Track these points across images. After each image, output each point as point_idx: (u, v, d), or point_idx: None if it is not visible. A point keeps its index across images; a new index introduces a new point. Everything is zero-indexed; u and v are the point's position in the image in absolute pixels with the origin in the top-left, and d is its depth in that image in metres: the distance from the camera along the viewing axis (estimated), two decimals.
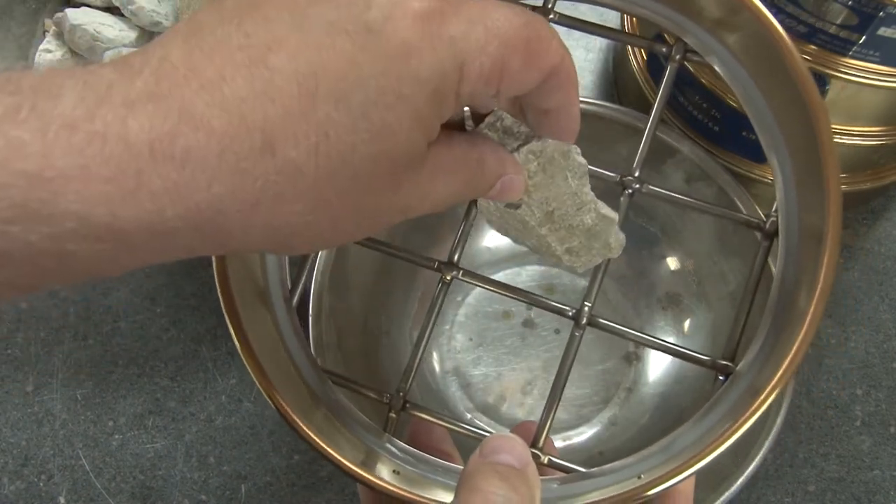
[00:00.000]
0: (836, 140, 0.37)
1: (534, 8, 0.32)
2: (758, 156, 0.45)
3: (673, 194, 0.32)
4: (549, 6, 0.32)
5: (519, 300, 0.31)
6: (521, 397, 0.45)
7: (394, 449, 0.29)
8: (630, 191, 0.31)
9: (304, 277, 0.32)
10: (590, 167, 0.31)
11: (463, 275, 0.31)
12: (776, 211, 0.30)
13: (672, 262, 0.46)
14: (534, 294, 0.31)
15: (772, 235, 0.30)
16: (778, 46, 0.28)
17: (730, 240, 0.42)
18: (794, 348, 0.25)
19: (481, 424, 0.44)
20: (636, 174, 0.31)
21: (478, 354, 0.46)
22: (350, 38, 0.18)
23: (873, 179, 0.46)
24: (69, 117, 0.16)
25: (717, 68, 0.31)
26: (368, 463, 0.28)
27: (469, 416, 0.45)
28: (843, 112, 0.40)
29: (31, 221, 0.16)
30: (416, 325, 0.46)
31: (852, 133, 0.41)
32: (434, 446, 0.31)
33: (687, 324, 0.45)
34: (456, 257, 0.31)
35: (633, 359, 0.46)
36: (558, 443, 0.44)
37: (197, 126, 0.17)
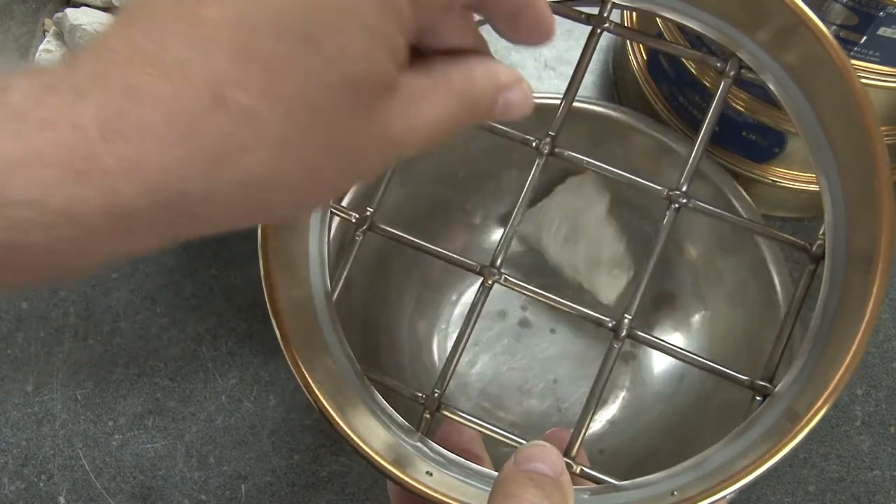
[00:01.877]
0: None
1: (588, 16, 0.32)
2: (758, 156, 0.45)
3: (719, 211, 0.31)
4: (605, 15, 0.32)
5: (559, 308, 0.31)
6: (520, 396, 0.45)
7: (426, 450, 0.29)
8: (677, 205, 0.31)
9: (346, 269, 0.31)
10: (636, 179, 0.31)
11: (505, 280, 0.31)
12: (823, 234, 0.29)
13: (669, 261, 0.46)
14: (574, 305, 0.31)
15: (818, 259, 0.29)
16: (835, 66, 0.28)
17: (727, 239, 0.42)
18: (838, 376, 0.25)
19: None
20: (683, 189, 0.31)
21: (474, 354, 0.46)
22: None
23: None
24: (18, 106, 0.16)
25: (770, 86, 0.30)
26: (402, 462, 0.28)
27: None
28: None
29: None
30: (416, 325, 0.46)
31: None
32: (464, 448, 0.31)
33: (684, 323, 0.45)
34: (499, 261, 0.31)
35: (630, 358, 0.46)
36: None
37: (143, 100, 0.17)
